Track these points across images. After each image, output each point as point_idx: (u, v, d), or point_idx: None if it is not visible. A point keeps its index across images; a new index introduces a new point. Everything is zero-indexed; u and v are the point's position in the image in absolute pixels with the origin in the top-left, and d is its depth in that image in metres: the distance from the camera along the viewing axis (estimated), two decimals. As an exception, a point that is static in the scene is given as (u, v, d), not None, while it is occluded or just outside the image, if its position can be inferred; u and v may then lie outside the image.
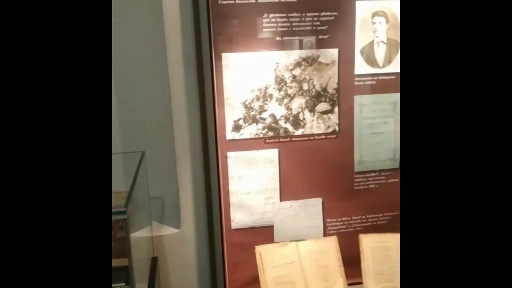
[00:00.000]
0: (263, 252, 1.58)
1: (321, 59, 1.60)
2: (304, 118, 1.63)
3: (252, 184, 1.63)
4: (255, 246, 1.58)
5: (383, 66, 1.66)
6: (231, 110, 1.57)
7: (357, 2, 1.58)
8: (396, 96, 1.69)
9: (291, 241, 1.63)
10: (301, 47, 1.58)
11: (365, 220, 1.77)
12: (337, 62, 1.61)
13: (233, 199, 1.63)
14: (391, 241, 1.66)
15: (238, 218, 1.65)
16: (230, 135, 1.59)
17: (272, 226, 1.68)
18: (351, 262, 1.66)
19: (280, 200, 1.67)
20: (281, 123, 1.62)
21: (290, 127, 1.63)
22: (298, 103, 1.62)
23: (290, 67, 1.58)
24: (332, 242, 1.65)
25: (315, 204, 1.71)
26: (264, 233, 1.68)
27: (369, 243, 1.66)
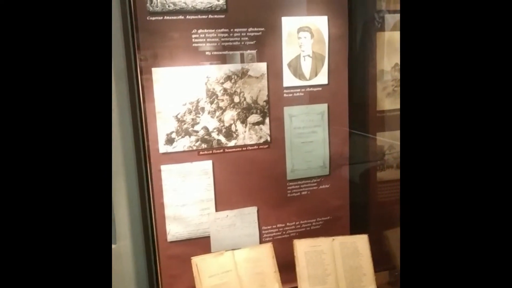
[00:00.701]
0: (199, 262, 1.60)
1: (250, 73, 1.66)
2: (236, 130, 1.68)
3: (187, 196, 1.66)
4: (191, 257, 1.60)
5: (310, 79, 1.74)
6: (163, 124, 1.59)
7: (283, 18, 1.66)
8: (324, 107, 1.78)
9: (227, 250, 1.66)
10: (230, 61, 1.63)
11: (299, 226, 1.83)
12: (266, 75, 1.67)
13: (168, 211, 1.64)
14: (324, 245, 1.74)
15: (174, 230, 1.66)
16: (163, 148, 1.61)
17: (208, 237, 1.71)
18: (287, 267, 1.71)
19: (216, 211, 1.70)
20: (214, 135, 1.65)
21: (223, 139, 1.67)
22: (230, 115, 1.66)
23: (221, 81, 1.63)
24: (267, 249, 1.70)
25: (251, 213, 1.75)
26: (201, 244, 1.70)
27: (303, 247, 1.73)
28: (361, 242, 1.76)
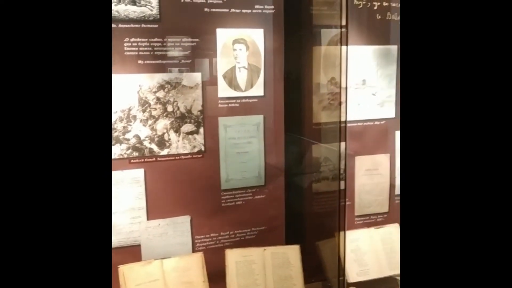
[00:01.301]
0: (126, 271, 1.59)
1: (184, 82, 1.67)
2: (169, 139, 1.68)
3: (118, 204, 1.65)
4: (118, 266, 1.59)
5: (246, 90, 1.76)
6: (92, 131, 1.58)
7: (218, 30, 1.68)
8: (259, 118, 1.80)
9: (156, 259, 1.66)
10: (164, 70, 1.64)
11: (233, 236, 1.84)
12: (200, 85, 1.69)
13: (96, 219, 1.63)
14: (255, 255, 1.76)
15: (102, 238, 1.65)
16: (91, 155, 1.60)
17: (139, 245, 1.70)
18: (218, 277, 1.72)
19: (148, 219, 1.70)
20: (146, 143, 1.66)
21: (155, 148, 1.67)
22: (162, 124, 1.67)
23: (154, 90, 1.64)
24: (197, 259, 1.70)
25: (184, 222, 1.75)
26: (131, 253, 1.69)
27: (234, 257, 1.74)
28: (293, 252, 1.78)
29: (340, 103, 1.49)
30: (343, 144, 1.91)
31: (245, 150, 1.81)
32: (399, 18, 1.93)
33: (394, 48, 1.95)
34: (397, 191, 2.07)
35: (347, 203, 2.00)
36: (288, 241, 1.90)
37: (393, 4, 1.91)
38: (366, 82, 1.93)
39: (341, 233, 1.64)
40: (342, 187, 1.95)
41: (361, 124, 1.95)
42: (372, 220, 2.05)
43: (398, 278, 1.93)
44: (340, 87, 1.51)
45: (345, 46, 1.47)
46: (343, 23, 1.45)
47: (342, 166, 1.93)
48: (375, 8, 1.88)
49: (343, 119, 1.79)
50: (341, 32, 1.49)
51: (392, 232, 2.00)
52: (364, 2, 1.86)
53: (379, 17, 1.90)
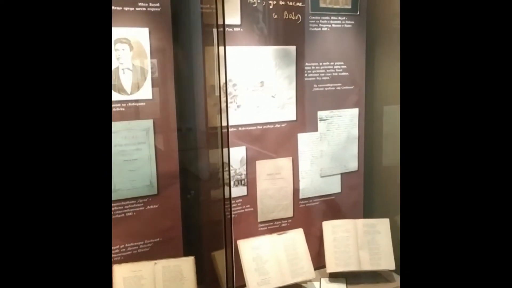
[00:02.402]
0: None
1: (58, 86, 1.52)
2: (43, 148, 1.53)
3: None
4: None
5: (132, 93, 1.64)
6: None
7: (96, 28, 1.55)
8: (149, 123, 1.69)
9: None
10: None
11: (124, 250, 1.72)
12: (78, 88, 1.55)
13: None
14: (145, 270, 1.64)
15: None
16: None
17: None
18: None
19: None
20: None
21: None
22: (34, 131, 1.51)
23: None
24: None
25: (65, 238, 1.60)
26: None
27: (121, 273, 1.61)
28: (186, 265, 1.68)
29: (220, 108, 1.40)
30: (243, 148, 1.83)
31: (133, 157, 1.68)
32: (297, 17, 1.88)
33: (292, 49, 1.89)
34: (301, 195, 2.02)
35: (249, 209, 1.92)
36: (186, 253, 1.80)
37: (290, 3, 1.85)
38: (264, 83, 1.86)
39: (228, 244, 1.56)
40: (244, 192, 1.88)
41: (261, 127, 1.88)
42: (277, 226, 1.98)
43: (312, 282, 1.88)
44: (219, 89, 1.42)
45: (223, 47, 1.38)
46: (220, 21, 1.36)
47: (244, 171, 1.85)
48: (271, 7, 1.82)
49: (230, 122, 1.71)
50: (217, 31, 1.40)
51: (295, 238, 1.94)
52: (259, 1, 1.79)
53: (276, 16, 1.83)
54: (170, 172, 1.76)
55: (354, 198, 2.16)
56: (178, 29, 1.69)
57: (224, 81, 1.41)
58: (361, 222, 2.04)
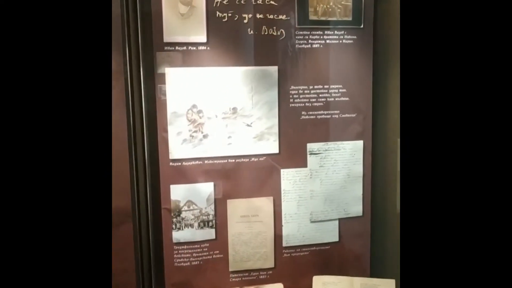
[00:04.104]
0: None
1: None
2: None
3: None
4: None
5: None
6: None
7: None
8: (98, 153, 1.51)
9: None
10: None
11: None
12: None
13: None
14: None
15: None
16: None
17: None
18: None
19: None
20: None
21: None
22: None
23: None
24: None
25: None
26: None
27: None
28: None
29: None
30: (210, 184, 1.58)
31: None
32: (279, 32, 1.59)
33: (273, 70, 1.60)
34: (285, 242, 1.69)
35: (218, 255, 1.65)
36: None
37: (270, 16, 1.57)
38: (237, 110, 1.59)
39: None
40: (212, 236, 1.62)
41: (233, 160, 1.61)
42: (253, 277, 1.68)
43: None
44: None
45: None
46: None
47: (211, 211, 1.60)
48: (246, 21, 1.55)
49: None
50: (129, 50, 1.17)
51: (271, 295, 1.62)
52: (229, 15, 1.54)
53: (251, 32, 1.56)
54: (123, 210, 1.55)
55: (358, 250, 1.77)
56: (131, 50, 1.50)
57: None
58: (359, 280, 1.66)
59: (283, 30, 1.60)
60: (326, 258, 1.74)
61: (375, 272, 1.78)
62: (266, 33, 1.58)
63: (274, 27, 1.59)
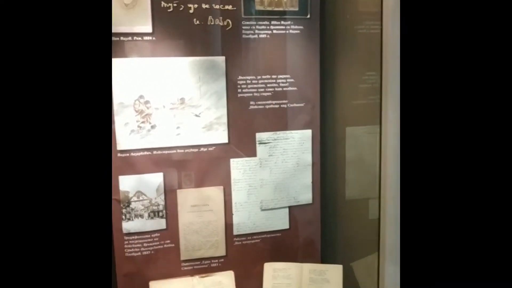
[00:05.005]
0: None
1: None
2: None
3: None
4: None
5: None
6: None
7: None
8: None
9: None
10: None
11: None
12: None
13: None
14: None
15: None
16: None
17: None
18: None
19: None
20: None
21: None
22: None
23: None
24: None
25: None
26: None
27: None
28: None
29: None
30: (160, 175, 1.59)
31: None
32: (226, 23, 1.60)
33: (220, 60, 1.61)
34: (236, 230, 1.72)
35: (169, 245, 1.66)
36: None
37: (216, 7, 1.58)
38: (185, 100, 1.59)
39: None
40: (163, 226, 1.63)
41: (182, 151, 1.62)
42: (205, 266, 1.70)
43: None
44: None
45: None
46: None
47: (161, 202, 1.60)
48: (191, 11, 1.55)
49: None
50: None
51: (222, 282, 1.65)
52: (175, 5, 1.54)
53: (198, 22, 1.56)
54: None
55: (308, 237, 1.81)
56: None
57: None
58: (308, 267, 1.70)
59: (229, 20, 1.60)
60: (277, 245, 1.77)
61: (325, 257, 1.82)
62: (212, 23, 1.59)
63: (221, 18, 1.60)
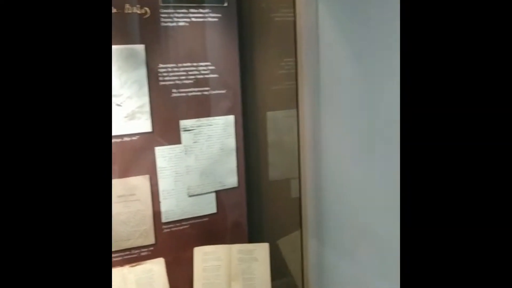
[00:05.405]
0: None
1: None
2: None
3: None
4: None
5: None
6: None
7: None
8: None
9: None
10: None
11: None
12: None
13: None
14: None
15: None
16: None
17: None
18: None
19: None
20: None
21: None
22: None
23: None
24: None
25: None
26: None
27: None
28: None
29: None
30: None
31: None
32: (143, 11, 1.59)
33: (140, 48, 1.60)
34: (164, 218, 1.73)
35: (95, 238, 1.63)
36: None
37: (133, -6, 1.56)
38: (105, 90, 1.56)
39: None
40: (88, 219, 1.59)
41: (105, 141, 1.58)
42: (135, 255, 1.70)
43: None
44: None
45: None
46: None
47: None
48: (107, -1, 1.52)
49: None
50: None
51: (152, 270, 1.66)
52: (89, -8, 1.49)
53: (114, 10, 1.54)
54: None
55: (235, 219, 1.87)
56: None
57: None
58: (236, 247, 1.76)
59: (147, 9, 1.60)
60: (206, 230, 1.82)
61: (252, 238, 1.90)
62: (130, 11, 1.57)
63: (138, 6, 1.58)
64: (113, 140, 1.61)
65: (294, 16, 1.64)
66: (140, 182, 1.68)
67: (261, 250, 1.76)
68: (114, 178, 1.63)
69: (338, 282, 1.62)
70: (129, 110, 1.62)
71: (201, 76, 1.73)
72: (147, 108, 1.65)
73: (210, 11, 1.70)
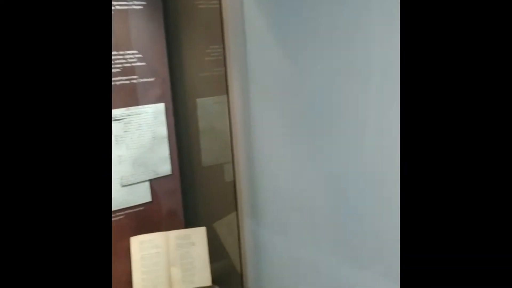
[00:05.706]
0: None
1: None
2: None
3: None
4: None
5: None
6: None
7: None
8: None
9: None
10: None
11: None
12: None
13: None
14: None
15: None
16: None
17: None
18: None
19: None
20: None
21: None
22: None
23: None
24: None
25: None
26: None
27: None
28: None
29: None
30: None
31: None
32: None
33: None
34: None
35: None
36: None
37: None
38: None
39: None
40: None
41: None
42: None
43: None
44: None
45: None
46: None
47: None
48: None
49: None
50: None
51: (89, 263, 1.62)
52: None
53: None
54: None
55: (171, 207, 1.89)
56: None
57: None
58: (173, 234, 1.78)
59: (68, -4, 1.54)
60: (142, 219, 1.82)
61: (189, 223, 1.93)
62: None
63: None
64: (38, 133, 1.55)
65: (220, 2, 1.68)
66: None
67: (198, 234, 1.79)
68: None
69: (275, 259, 1.70)
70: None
71: (128, 65, 1.71)
72: (73, 98, 1.60)
73: (134, -2, 1.68)
